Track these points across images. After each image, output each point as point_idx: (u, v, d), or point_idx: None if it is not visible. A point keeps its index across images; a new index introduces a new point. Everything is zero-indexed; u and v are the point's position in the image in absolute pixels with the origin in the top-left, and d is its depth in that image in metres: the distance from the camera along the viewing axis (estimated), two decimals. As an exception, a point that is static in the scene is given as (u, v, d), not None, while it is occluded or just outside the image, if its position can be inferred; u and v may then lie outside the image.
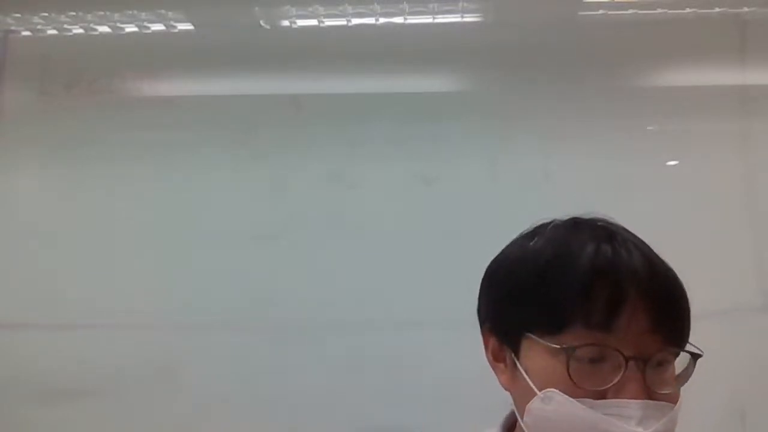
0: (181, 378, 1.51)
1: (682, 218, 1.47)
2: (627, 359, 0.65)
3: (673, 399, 0.68)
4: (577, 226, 0.73)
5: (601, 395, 0.65)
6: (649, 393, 0.65)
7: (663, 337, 0.67)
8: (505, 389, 0.75)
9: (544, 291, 0.69)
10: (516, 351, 0.72)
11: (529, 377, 0.69)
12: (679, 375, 0.69)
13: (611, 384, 0.65)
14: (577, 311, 0.66)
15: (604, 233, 0.71)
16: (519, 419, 0.72)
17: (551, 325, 0.68)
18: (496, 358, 0.76)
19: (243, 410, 1.50)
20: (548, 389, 0.67)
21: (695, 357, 0.69)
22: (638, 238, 0.72)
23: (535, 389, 0.68)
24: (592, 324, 0.66)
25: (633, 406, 0.64)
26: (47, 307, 1.56)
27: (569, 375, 0.66)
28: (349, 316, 1.51)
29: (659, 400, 0.66)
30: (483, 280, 0.79)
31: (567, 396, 0.66)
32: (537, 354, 0.69)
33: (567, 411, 0.66)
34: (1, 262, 1.58)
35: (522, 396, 0.71)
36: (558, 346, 0.67)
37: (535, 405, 0.68)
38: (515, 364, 0.72)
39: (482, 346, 0.78)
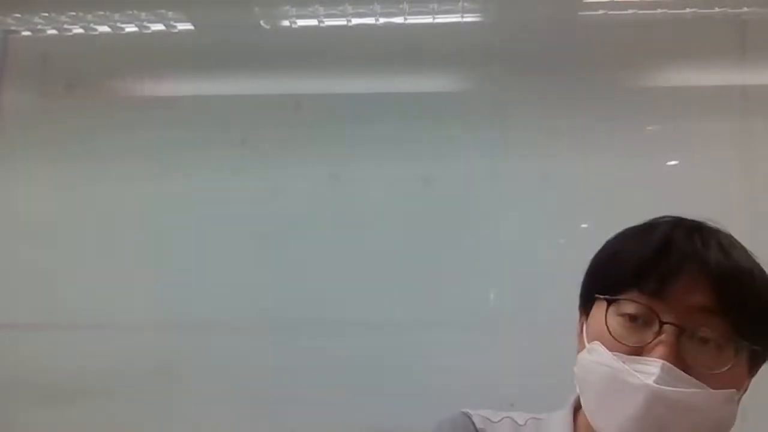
0: (181, 378, 1.51)
1: (682, 218, 1.47)
2: (662, 323, 0.68)
3: (710, 383, 0.67)
4: (680, 220, 0.77)
5: (636, 352, 0.69)
6: (678, 362, 0.67)
7: (728, 321, 0.68)
8: None
9: (616, 258, 0.75)
10: (587, 317, 0.77)
11: (586, 333, 0.76)
12: (722, 357, 0.69)
13: (644, 344, 0.69)
14: (635, 277, 0.71)
15: (696, 226, 0.75)
16: None
17: (614, 286, 0.73)
18: (579, 333, 0.80)
19: (243, 410, 1.50)
20: (594, 342, 0.73)
21: (757, 357, 0.71)
22: (739, 244, 0.75)
23: (586, 342, 0.74)
24: (645, 290, 0.70)
25: (654, 365, 0.67)
26: (47, 307, 1.56)
27: (607, 326, 0.71)
28: (348, 316, 1.51)
29: (691, 375, 0.67)
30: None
31: (605, 348, 0.71)
32: (596, 312, 0.75)
33: (600, 361, 0.71)
34: (1, 262, 1.59)
35: None
36: (602, 297, 0.73)
37: (582, 355, 0.75)
38: (584, 328, 0.77)
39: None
